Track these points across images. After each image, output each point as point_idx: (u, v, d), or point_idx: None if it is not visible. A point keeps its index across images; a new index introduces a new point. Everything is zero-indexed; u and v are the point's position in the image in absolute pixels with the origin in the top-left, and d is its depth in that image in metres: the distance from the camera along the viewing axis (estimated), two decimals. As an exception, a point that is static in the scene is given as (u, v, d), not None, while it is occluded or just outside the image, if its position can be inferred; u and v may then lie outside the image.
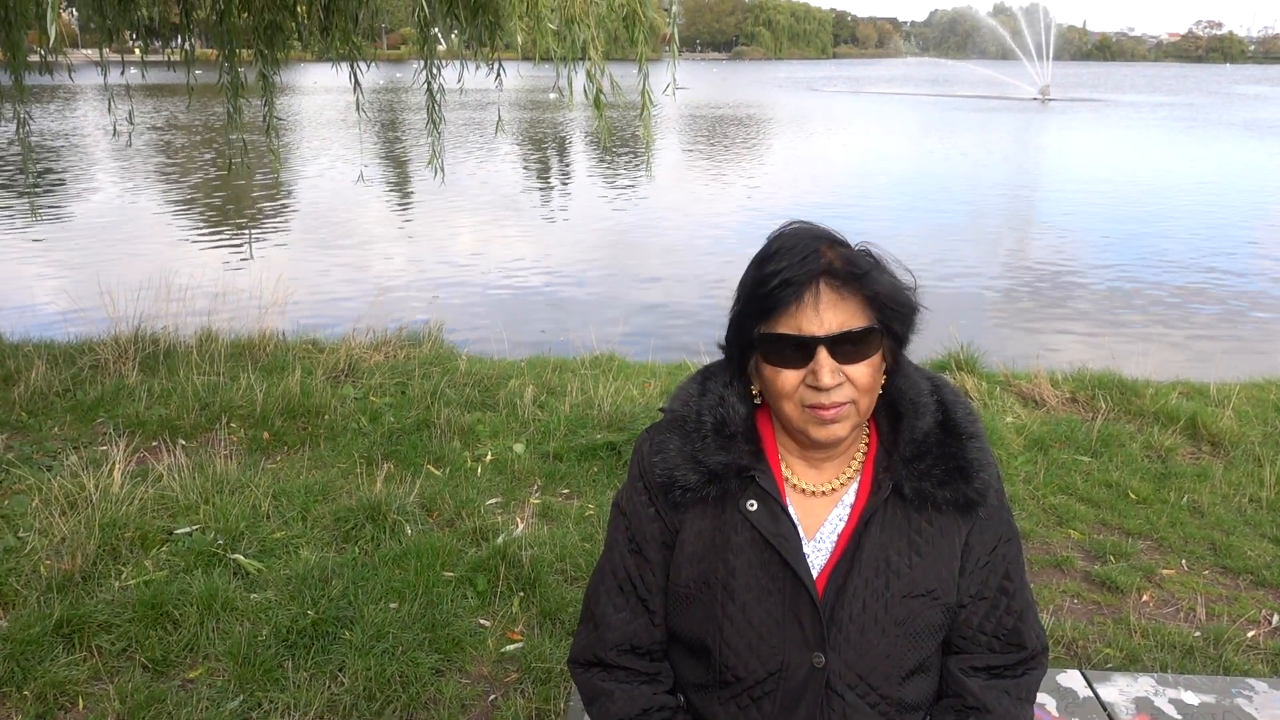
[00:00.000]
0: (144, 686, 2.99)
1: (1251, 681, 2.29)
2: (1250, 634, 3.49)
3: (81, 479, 4.07)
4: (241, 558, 3.69)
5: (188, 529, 3.87)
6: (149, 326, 6.52)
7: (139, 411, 5.19)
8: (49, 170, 19.53)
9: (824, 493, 1.54)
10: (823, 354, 1.40)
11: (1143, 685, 2.26)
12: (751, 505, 1.49)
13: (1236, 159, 25.21)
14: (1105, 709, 2.17)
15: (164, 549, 3.74)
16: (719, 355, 1.60)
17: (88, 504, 3.93)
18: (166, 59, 7.17)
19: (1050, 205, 17.24)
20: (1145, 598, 3.78)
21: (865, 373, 1.43)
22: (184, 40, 6.56)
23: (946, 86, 60.72)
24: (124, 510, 3.89)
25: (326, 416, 5.23)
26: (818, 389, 1.41)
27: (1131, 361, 6.99)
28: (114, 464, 4.19)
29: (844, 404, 1.42)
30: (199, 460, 4.53)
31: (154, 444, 4.89)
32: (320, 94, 43.34)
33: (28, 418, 5.17)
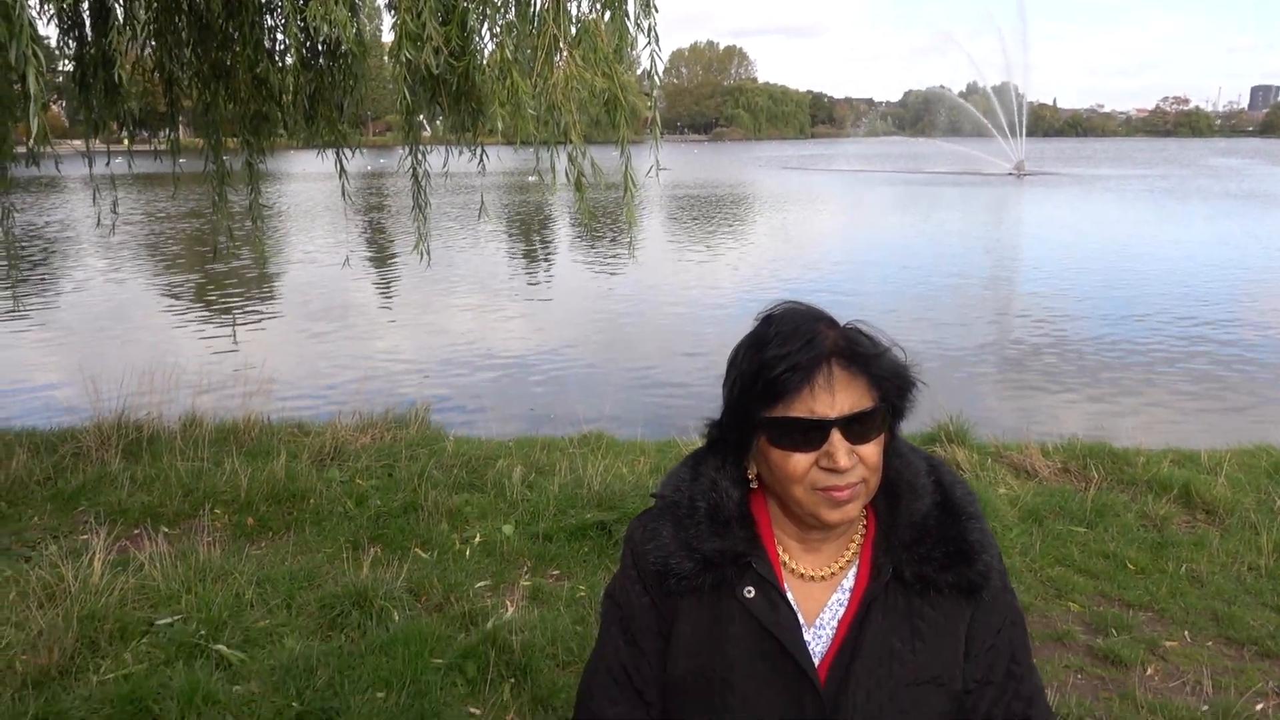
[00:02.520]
0: (121, 788, 2.88)
1: (1266, 758, 2.23)
2: (1259, 707, 3.43)
3: (60, 569, 3.98)
4: (224, 648, 3.60)
5: (169, 619, 3.78)
6: (133, 413, 6.45)
7: (121, 499, 5.11)
8: (33, 260, 19.56)
9: (823, 577, 1.50)
10: (837, 436, 1.37)
11: (1156, 765, 2.19)
12: (749, 592, 1.45)
13: (1214, 229, 25.66)
14: (1119, 791, 2.10)
15: (144, 640, 3.65)
16: (708, 430, 1.57)
17: (66, 595, 3.84)
18: (153, 148, 7.23)
19: (1032, 277, 17.45)
20: (1150, 671, 3.72)
21: (875, 451, 1.41)
22: (170, 130, 6.61)
23: (923, 163, 61.87)
24: (103, 601, 3.79)
25: (312, 500, 5.16)
26: (833, 470, 1.38)
27: (1121, 429, 7.00)
28: (94, 553, 4.11)
29: (857, 484, 1.40)
30: (182, 548, 4.44)
31: (136, 532, 4.80)
32: (306, 181, 43.81)
33: (7, 507, 5.07)
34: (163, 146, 6.75)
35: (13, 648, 3.52)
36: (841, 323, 1.45)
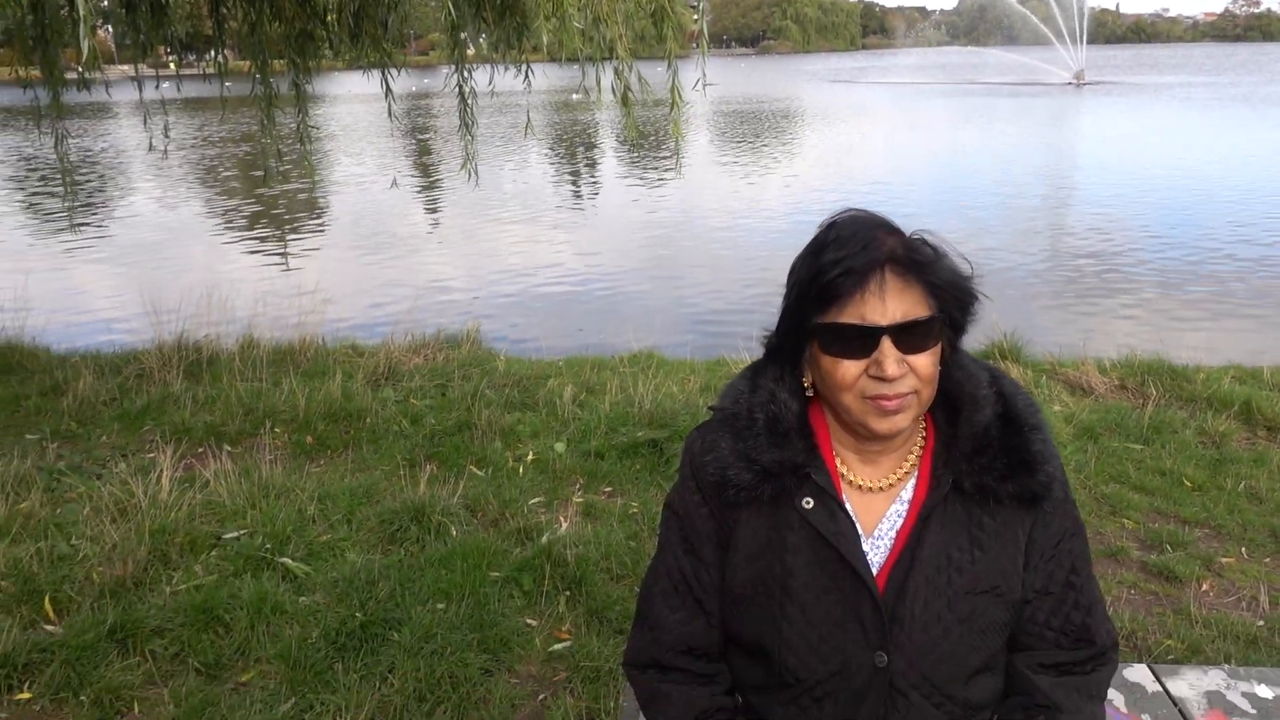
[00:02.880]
0: (198, 690, 3.01)
1: (1325, 672, 2.22)
2: (1316, 623, 3.40)
3: (130, 486, 4.11)
4: (289, 561, 3.71)
5: (235, 533, 3.90)
6: (191, 335, 6.59)
7: (184, 419, 5.24)
8: (88, 186, 19.84)
9: (881, 488, 1.50)
10: (887, 344, 1.36)
11: (1213, 679, 2.20)
12: (807, 503, 1.46)
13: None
14: (1176, 704, 2.11)
15: (213, 554, 3.77)
16: (759, 350, 1.57)
17: (137, 511, 3.97)
18: (200, 72, 7.25)
19: (1092, 190, 16.98)
20: (1205, 587, 3.69)
21: (928, 363, 1.39)
22: (217, 52, 6.62)
23: (978, 74, 60.03)
24: (173, 516, 3.93)
25: (368, 419, 5.26)
26: (881, 379, 1.37)
27: (1180, 347, 6.85)
28: (162, 471, 4.24)
29: (907, 394, 1.39)
30: (244, 465, 4.56)
31: (200, 450, 4.93)
32: (353, 103, 43.73)
33: (77, 427, 5.24)
34: (210, 69, 6.77)
35: (89, 560, 3.66)
36: (908, 232, 1.42)
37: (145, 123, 6.85)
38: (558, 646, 3.31)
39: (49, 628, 3.29)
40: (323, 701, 2.98)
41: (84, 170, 22.08)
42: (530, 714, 3.03)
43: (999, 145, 24.49)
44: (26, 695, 3.00)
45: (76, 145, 27.23)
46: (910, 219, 1.46)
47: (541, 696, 3.10)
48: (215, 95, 6.83)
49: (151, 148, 6.86)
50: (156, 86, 6.70)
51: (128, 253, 13.19)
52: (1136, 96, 40.84)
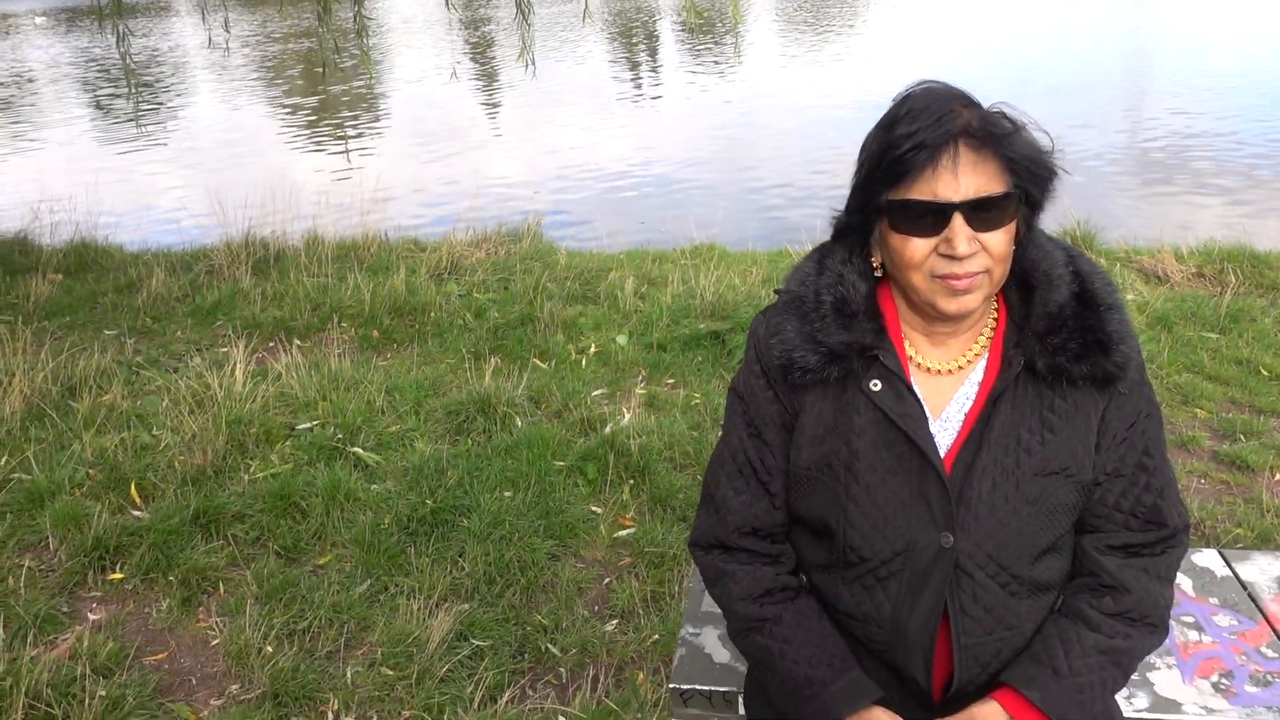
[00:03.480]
0: (278, 572, 3.14)
1: (1402, 558, 2.18)
2: (1395, 513, 3.32)
3: (206, 379, 4.24)
4: (360, 451, 3.82)
5: (308, 424, 4.01)
6: (258, 232, 6.68)
7: (255, 314, 5.35)
8: (154, 85, 19.97)
9: (950, 371, 1.48)
10: (958, 220, 1.32)
11: (1284, 564, 2.17)
12: (875, 385, 1.44)
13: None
14: (1245, 588, 2.09)
15: (287, 444, 3.89)
16: (823, 239, 1.54)
17: (214, 403, 4.10)
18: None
19: (1173, 69, 16.15)
20: (1278, 477, 3.62)
21: (1001, 241, 1.35)
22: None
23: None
24: (248, 408, 4.04)
25: (432, 314, 5.32)
26: (951, 258, 1.33)
27: (1265, 231, 6.58)
28: (235, 364, 4.35)
29: (978, 274, 1.35)
30: (314, 359, 4.66)
31: (271, 344, 5.05)
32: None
33: (152, 323, 5.38)
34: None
35: (170, 449, 3.81)
36: (985, 105, 1.36)
37: (204, 18, 6.82)
38: (622, 533, 3.38)
39: (136, 513, 3.44)
40: (397, 583, 3.10)
41: (149, 70, 22.19)
42: (596, 596, 3.12)
43: (1081, 24, 23.32)
44: (119, 576, 3.16)
45: (141, 45, 27.33)
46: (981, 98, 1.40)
47: (607, 580, 3.18)
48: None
49: (211, 44, 6.86)
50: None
51: (193, 152, 13.33)
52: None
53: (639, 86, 17.86)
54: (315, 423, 4.02)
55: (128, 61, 7.15)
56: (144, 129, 14.53)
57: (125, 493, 3.54)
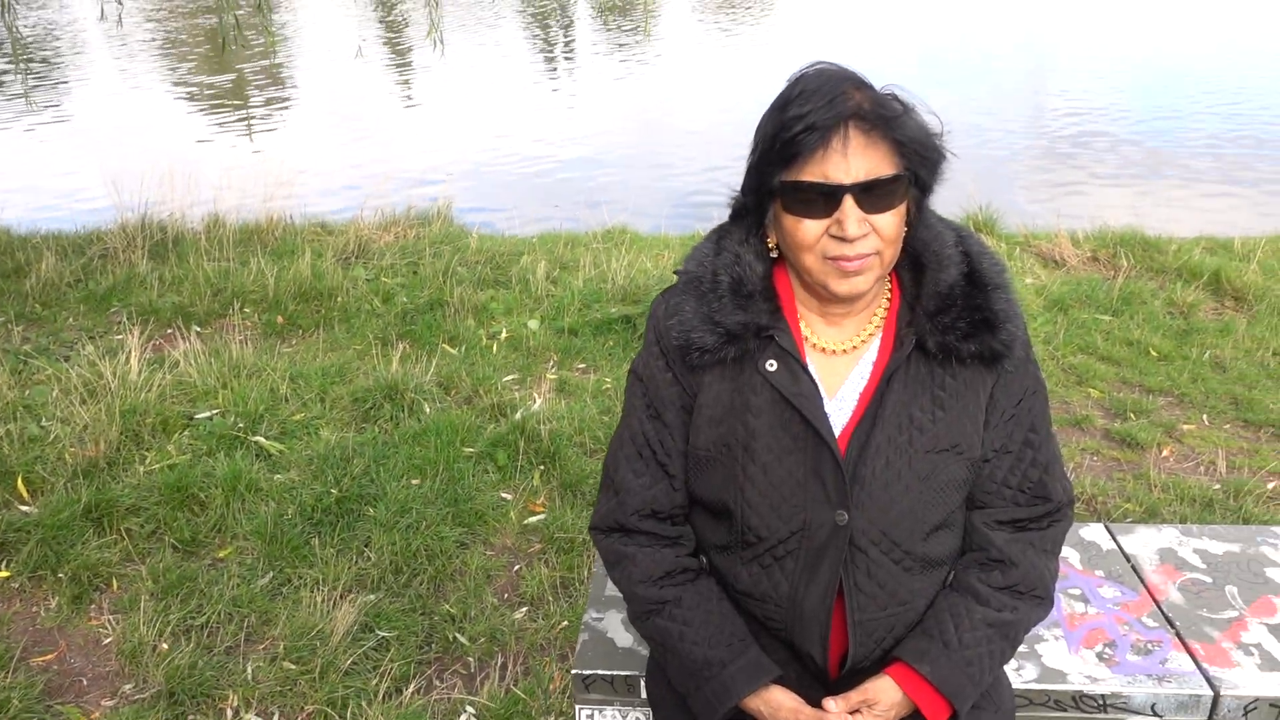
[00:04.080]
0: (175, 566, 3.05)
1: (1277, 529, 2.29)
2: (1271, 485, 3.50)
3: (99, 368, 4.08)
4: (263, 440, 3.72)
5: (208, 413, 3.89)
6: (156, 214, 6.44)
7: (151, 299, 5.17)
8: (45, 60, 19.10)
9: (844, 351, 1.50)
10: (849, 203, 1.33)
11: (1167, 536, 2.26)
12: (771, 365, 1.45)
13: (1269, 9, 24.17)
14: (1129, 560, 2.17)
15: (185, 434, 3.77)
16: (732, 201, 1.54)
17: (107, 392, 3.95)
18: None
19: (1070, 58, 16.67)
20: (1165, 453, 3.78)
21: (892, 222, 1.37)
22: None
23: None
24: (143, 397, 3.90)
25: (339, 298, 5.21)
26: (842, 239, 1.34)
27: (1155, 218, 6.84)
28: (130, 352, 4.20)
29: (868, 255, 1.36)
30: (214, 346, 4.52)
31: (168, 331, 4.88)
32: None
33: (41, 309, 5.15)
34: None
35: (61, 440, 3.65)
36: (878, 86, 1.37)
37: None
38: (532, 519, 3.37)
39: (24, 508, 3.30)
40: (300, 575, 3.03)
41: (45, 44, 21.21)
42: (505, 583, 3.10)
43: (983, 11, 23.88)
44: (4, 574, 3.03)
45: (37, 17, 26.12)
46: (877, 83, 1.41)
47: (516, 566, 3.17)
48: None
49: (104, 15, 6.57)
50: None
51: (88, 129, 12.78)
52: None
53: (554, 70, 17.72)
54: (215, 412, 3.91)
55: (14, 33, 6.82)
56: (35, 106, 13.89)
57: (12, 486, 3.39)
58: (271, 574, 3.04)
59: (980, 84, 14.29)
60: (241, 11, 7.02)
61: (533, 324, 4.92)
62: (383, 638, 2.79)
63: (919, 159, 1.37)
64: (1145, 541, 2.24)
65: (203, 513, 3.31)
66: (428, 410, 3.99)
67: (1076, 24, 22.26)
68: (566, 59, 19.13)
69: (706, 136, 11.41)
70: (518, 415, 3.91)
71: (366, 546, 3.16)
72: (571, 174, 10.00)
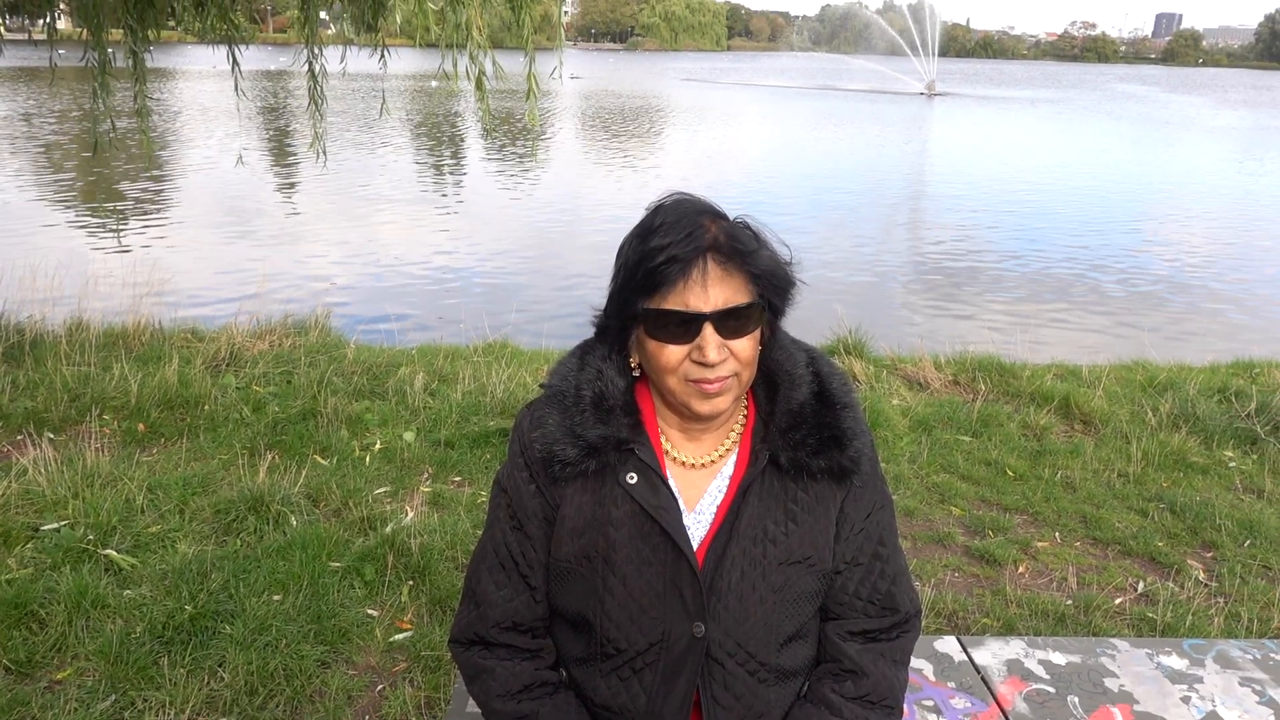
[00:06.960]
0: (6, 690, 2.84)
1: (1114, 641, 2.40)
2: (1117, 600, 3.67)
3: (-64, 475, 3.84)
4: (114, 553, 3.54)
5: (55, 525, 3.69)
6: (13, 315, 6.18)
7: (2, 404, 4.92)
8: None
9: (703, 465, 1.55)
10: (709, 330, 1.40)
11: (1014, 648, 2.35)
12: (631, 478, 1.49)
13: (1112, 154, 26.40)
14: (979, 671, 2.25)
15: (29, 546, 3.56)
16: (596, 319, 1.59)
17: (-56, 501, 3.71)
18: (29, 37, 6.80)
19: (937, 196, 17.79)
20: (1021, 569, 3.93)
21: (748, 346, 1.44)
22: (49, 16, 6.23)
23: (837, 80, 62.14)
24: (-16, 507, 3.68)
25: (206, 407, 5.05)
26: (703, 364, 1.41)
27: (1011, 345, 7.26)
28: (-27, 459, 3.97)
29: (727, 377, 1.43)
30: (68, 454, 4.32)
31: (19, 438, 4.64)
32: (202, 79, 41.79)
33: (-123, 413, 4.85)
34: (40, 35, 6.36)
35: (-113, 553, 3.40)
36: (732, 217, 1.46)
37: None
38: (398, 637, 3.27)
39: None
40: (145, 698, 2.86)
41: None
42: (368, 705, 2.98)
43: (853, 150, 25.34)
44: None
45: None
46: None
47: (380, 687, 3.06)
48: (45, 64, 6.43)
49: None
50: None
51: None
52: (981, 108, 42.97)
53: (440, 184, 17.92)
54: (64, 523, 3.71)
55: None
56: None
57: None
58: (114, 697, 2.85)
59: (852, 212, 15.06)
60: (121, 122, 6.94)
61: (408, 436, 4.86)
62: (232, 765, 2.64)
63: (771, 287, 1.45)
64: (995, 652, 2.32)
65: (41, 631, 3.10)
66: (294, 523, 3.87)
67: (943, 157, 23.80)
68: (455, 173, 19.38)
69: (587, 251, 11.65)
70: (388, 529, 3.83)
71: (220, 666, 3.01)
72: (455, 287, 10.05)
